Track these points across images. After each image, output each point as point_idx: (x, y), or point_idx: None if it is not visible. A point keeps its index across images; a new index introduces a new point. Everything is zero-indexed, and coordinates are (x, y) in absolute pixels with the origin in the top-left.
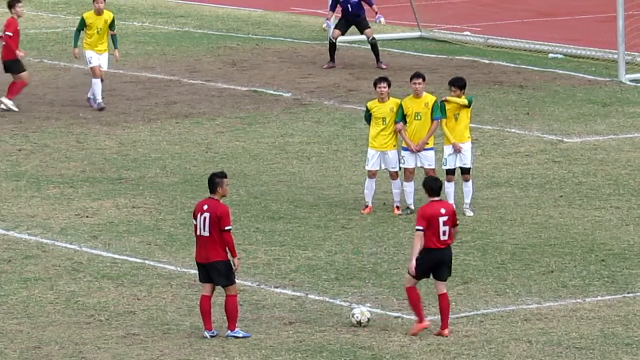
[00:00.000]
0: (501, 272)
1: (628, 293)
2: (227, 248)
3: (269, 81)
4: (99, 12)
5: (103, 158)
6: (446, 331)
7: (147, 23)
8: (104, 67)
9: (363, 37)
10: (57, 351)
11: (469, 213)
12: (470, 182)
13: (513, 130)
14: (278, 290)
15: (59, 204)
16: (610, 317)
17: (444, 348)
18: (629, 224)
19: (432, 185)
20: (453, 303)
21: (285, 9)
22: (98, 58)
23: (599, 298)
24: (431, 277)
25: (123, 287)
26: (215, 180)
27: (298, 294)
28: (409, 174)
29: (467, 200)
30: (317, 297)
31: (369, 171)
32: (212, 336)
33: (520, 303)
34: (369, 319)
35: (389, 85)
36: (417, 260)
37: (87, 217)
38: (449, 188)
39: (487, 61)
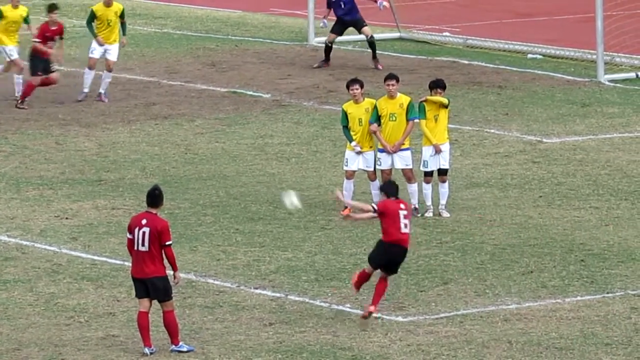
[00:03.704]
0: (481, 272)
1: (607, 293)
2: (167, 262)
3: (249, 82)
4: (108, 4)
5: (82, 160)
6: (372, 307)
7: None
8: (114, 58)
9: (347, 37)
10: (36, 353)
11: (446, 214)
12: (446, 184)
13: (492, 130)
14: (258, 291)
15: (39, 205)
16: (590, 317)
17: (424, 349)
18: (608, 224)
19: (389, 189)
20: (432, 303)
21: (265, 10)
22: (100, 52)
23: (579, 298)
24: None
25: (103, 288)
26: (156, 194)
27: (278, 294)
28: (385, 176)
29: (443, 201)
30: (297, 298)
31: (346, 172)
32: (151, 353)
33: (500, 303)
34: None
35: (362, 87)
36: (378, 252)
37: (66, 218)
38: (426, 190)
39: (466, 62)
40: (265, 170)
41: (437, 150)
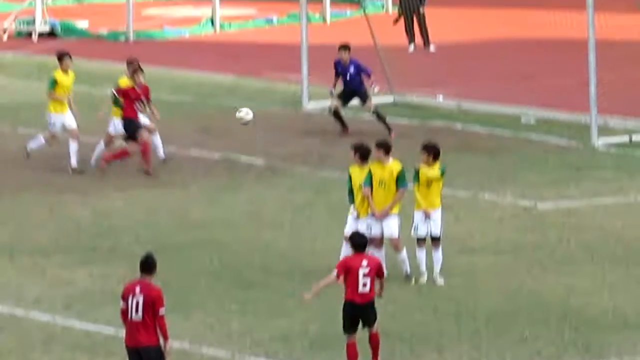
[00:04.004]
0: (475, 339)
1: None
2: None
3: (242, 148)
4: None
5: (77, 227)
6: None
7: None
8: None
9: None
10: None
11: (440, 282)
12: (440, 250)
13: (486, 195)
14: (253, 359)
15: (32, 273)
16: None
17: None
18: (603, 291)
19: (357, 241)
20: None
21: (258, 75)
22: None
23: None
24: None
25: (97, 358)
26: (149, 261)
27: None
28: (377, 242)
29: (437, 268)
30: None
31: (345, 236)
32: None
33: None
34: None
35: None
36: (343, 314)
37: (60, 287)
38: (419, 254)
39: (460, 126)
40: (259, 237)
41: (426, 216)
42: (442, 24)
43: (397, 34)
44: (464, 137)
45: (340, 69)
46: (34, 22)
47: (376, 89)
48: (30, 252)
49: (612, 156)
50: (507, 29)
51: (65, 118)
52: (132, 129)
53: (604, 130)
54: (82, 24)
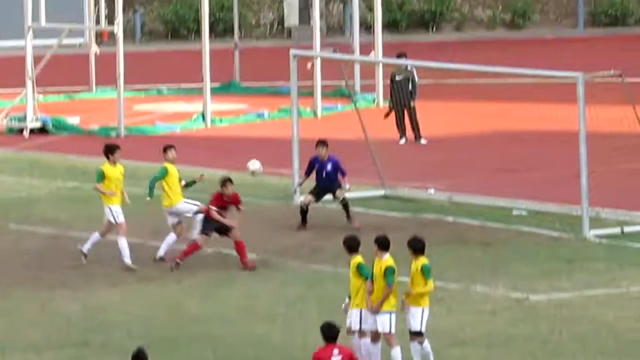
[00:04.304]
0: None
1: None
2: None
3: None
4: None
5: (68, 323)
6: None
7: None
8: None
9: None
10: None
11: None
12: (425, 345)
13: (478, 288)
14: None
15: None
16: None
17: None
18: None
19: (327, 332)
20: None
21: None
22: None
23: None
24: None
25: None
26: (140, 356)
27: None
28: (372, 336)
29: None
30: None
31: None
32: None
33: None
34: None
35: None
36: None
37: None
38: (413, 347)
39: (451, 219)
40: (252, 331)
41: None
42: (432, 117)
43: (388, 128)
44: (456, 230)
45: (317, 165)
46: (25, 118)
47: (347, 187)
48: (22, 349)
49: (604, 247)
50: (497, 121)
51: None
52: (210, 226)
53: (595, 222)
54: (73, 120)
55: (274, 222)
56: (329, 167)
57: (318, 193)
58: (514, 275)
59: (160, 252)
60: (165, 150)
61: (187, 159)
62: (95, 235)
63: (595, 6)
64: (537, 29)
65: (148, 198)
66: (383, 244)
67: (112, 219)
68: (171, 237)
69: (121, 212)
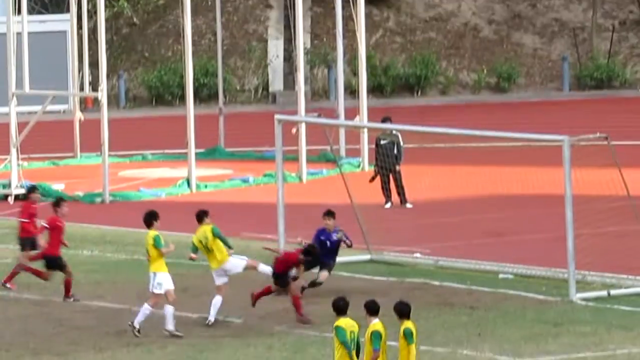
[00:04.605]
0: None
1: None
2: None
3: (220, 307)
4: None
5: None
6: None
7: (97, 252)
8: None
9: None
10: None
11: None
12: None
13: (465, 352)
14: None
15: None
16: None
17: None
18: None
19: None
20: None
21: (236, 235)
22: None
23: None
24: None
25: None
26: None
27: None
28: None
29: None
30: None
31: None
32: None
33: None
34: None
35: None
36: None
37: None
38: None
39: (437, 283)
40: None
41: None
42: (418, 181)
43: (373, 192)
44: (442, 294)
45: (324, 237)
46: (9, 185)
47: (299, 239)
48: None
49: (591, 310)
50: (483, 185)
51: (167, 278)
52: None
53: (582, 285)
54: (58, 186)
55: (260, 287)
56: (334, 237)
57: (311, 263)
58: (500, 339)
59: (211, 318)
60: (200, 217)
61: (173, 224)
62: (146, 307)
63: (581, 69)
64: (522, 92)
65: (193, 255)
66: (372, 309)
67: (156, 287)
68: (218, 299)
69: (168, 279)
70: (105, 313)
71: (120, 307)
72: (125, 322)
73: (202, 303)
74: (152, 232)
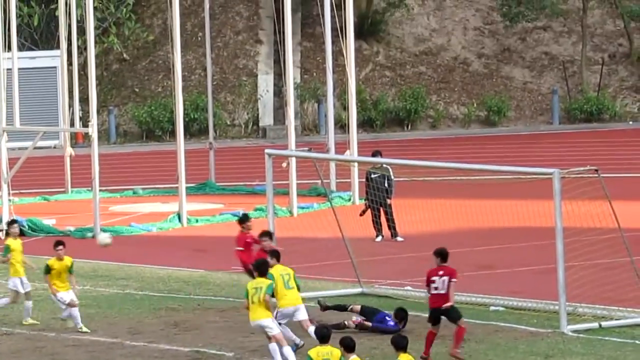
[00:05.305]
0: None
1: None
2: None
3: (211, 341)
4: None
5: None
6: None
7: (89, 286)
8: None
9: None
10: None
11: None
12: None
13: None
14: None
15: None
16: None
17: None
18: None
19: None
20: None
21: (227, 269)
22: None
23: None
24: None
25: None
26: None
27: None
28: None
29: None
30: None
31: None
32: None
33: None
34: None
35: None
36: None
37: None
38: None
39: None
40: None
41: None
42: (408, 214)
43: (364, 226)
44: None
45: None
46: (0, 220)
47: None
48: None
49: (582, 342)
50: (473, 218)
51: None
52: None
53: (573, 317)
54: (49, 222)
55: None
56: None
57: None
58: None
59: (297, 340)
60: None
61: (164, 259)
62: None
63: (571, 102)
64: (512, 125)
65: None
66: (348, 345)
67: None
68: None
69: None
70: (97, 347)
71: (112, 341)
72: (117, 357)
73: (193, 337)
74: (267, 281)
